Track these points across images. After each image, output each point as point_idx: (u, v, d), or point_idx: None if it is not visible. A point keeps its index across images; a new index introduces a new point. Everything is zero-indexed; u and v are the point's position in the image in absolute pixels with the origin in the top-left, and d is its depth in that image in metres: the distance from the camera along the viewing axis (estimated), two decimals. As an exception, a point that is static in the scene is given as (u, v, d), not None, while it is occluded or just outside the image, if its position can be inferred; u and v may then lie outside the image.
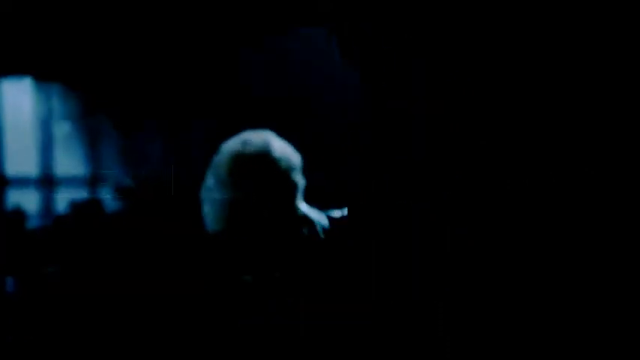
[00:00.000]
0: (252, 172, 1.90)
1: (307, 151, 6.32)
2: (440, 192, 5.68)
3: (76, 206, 7.56)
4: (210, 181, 1.91)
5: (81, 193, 7.74)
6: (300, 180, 2.01)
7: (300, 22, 5.76)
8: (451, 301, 5.49)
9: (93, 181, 7.82)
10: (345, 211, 2.29)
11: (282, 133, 6.58)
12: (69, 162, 7.94)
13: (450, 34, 5.85)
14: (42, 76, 7.70)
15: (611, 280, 5.19)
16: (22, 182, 7.70)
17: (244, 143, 1.95)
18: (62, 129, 7.92)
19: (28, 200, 7.63)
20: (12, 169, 7.62)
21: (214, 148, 6.63)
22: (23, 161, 7.71)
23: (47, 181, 7.83)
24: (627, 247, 5.12)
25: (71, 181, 7.82)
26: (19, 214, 7.37)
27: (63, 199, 7.75)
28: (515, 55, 5.60)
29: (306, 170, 6.45)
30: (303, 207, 2.12)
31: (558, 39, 5.52)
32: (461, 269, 5.55)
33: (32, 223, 7.45)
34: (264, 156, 1.93)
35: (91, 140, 7.88)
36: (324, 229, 2.18)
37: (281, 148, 1.99)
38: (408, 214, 5.75)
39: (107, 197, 7.53)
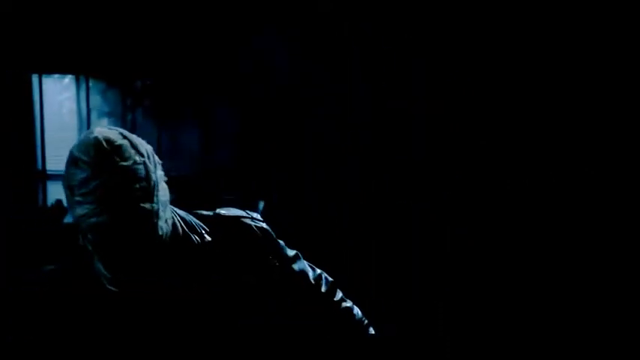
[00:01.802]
0: (120, 148, 1.95)
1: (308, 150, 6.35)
2: (440, 192, 5.66)
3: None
4: (80, 175, 1.94)
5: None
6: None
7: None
8: (451, 301, 5.49)
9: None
10: (221, 211, 2.30)
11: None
12: (108, 157, 8.07)
13: (449, 35, 5.81)
14: (82, 73, 7.85)
15: (610, 280, 5.11)
16: (62, 177, 7.88)
17: (97, 130, 2.02)
18: (101, 125, 8.07)
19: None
20: (53, 164, 7.79)
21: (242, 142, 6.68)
22: (64, 157, 7.88)
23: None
24: (626, 247, 5.04)
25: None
26: (59, 208, 7.53)
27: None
28: (515, 56, 5.53)
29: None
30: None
31: (558, 40, 5.43)
32: (461, 269, 5.53)
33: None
34: (122, 133, 2.00)
35: (129, 135, 7.98)
36: (206, 231, 2.21)
37: (140, 140, 2.06)
38: (408, 214, 5.74)
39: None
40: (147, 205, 1.92)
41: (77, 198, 1.92)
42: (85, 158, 1.93)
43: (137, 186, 1.91)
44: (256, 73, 6.09)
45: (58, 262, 2.23)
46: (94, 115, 8.05)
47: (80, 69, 7.82)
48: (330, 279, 2.46)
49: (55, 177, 7.86)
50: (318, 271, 2.46)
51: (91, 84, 8.02)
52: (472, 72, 5.28)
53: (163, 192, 2.01)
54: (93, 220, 1.89)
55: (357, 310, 2.49)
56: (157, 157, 2.05)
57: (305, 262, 2.43)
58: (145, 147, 2.01)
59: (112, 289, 2.03)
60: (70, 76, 8.06)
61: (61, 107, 8.11)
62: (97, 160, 1.91)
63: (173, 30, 7.00)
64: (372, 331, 2.49)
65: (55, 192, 7.80)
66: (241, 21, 6.16)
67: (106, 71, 7.82)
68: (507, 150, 5.20)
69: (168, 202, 2.05)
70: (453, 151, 5.33)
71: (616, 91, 4.85)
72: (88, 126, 7.97)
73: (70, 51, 7.36)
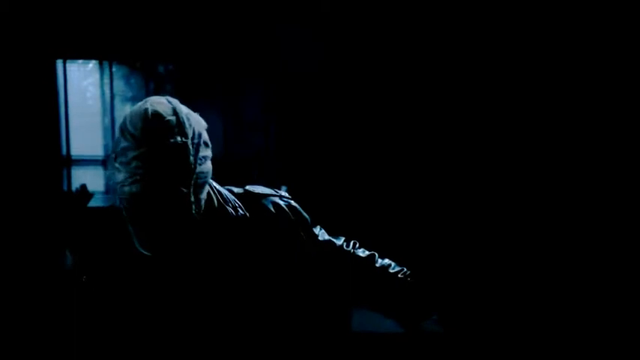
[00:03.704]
0: (165, 125, 1.97)
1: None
2: (440, 192, 5.61)
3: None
4: (123, 143, 1.97)
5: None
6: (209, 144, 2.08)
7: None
8: (451, 301, 5.45)
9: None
10: (250, 188, 2.33)
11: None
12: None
13: (449, 35, 5.72)
14: (105, 58, 7.91)
15: (610, 280, 5.04)
16: (87, 162, 7.96)
17: (151, 101, 2.03)
18: (124, 110, 8.13)
19: (92, 180, 7.89)
20: (77, 149, 7.88)
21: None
22: (88, 142, 7.96)
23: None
24: (626, 247, 4.96)
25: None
26: (84, 193, 7.61)
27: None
28: (515, 56, 5.44)
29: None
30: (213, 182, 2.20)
31: (558, 41, 5.32)
32: (461, 269, 5.49)
33: (96, 202, 7.70)
34: (175, 109, 2.02)
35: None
36: (239, 205, 2.23)
37: (187, 110, 2.06)
38: (408, 215, 5.71)
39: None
40: (178, 188, 1.95)
41: (117, 165, 1.97)
42: (130, 129, 1.96)
43: (172, 167, 1.94)
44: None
45: (73, 252, 2.26)
46: (117, 100, 8.12)
47: (104, 54, 7.88)
48: (353, 241, 2.52)
49: (79, 162, 7.95)
50: (342, 238, 2.51)
51: (114, 69, 8.08)
52: (472, 72, 5.21)
53: (202, 175, 2.03)
54: (126, 189, 1.94)
55: (381, 259, 2.52)
56: (205, 137, 2.06)
57: (327, 234, 2.47)
58: (195, 126, 2.02)
59: (144, 252, 2.06)
60: (93, 61, 8.13)
61: (85, 92, 8.18)
62: (140, 133, 1.93)
63: (195, 15, 7.01)
64: (394, 268, 2.49)
65: (80, 177, 7.90)
66: (258, 10, 6.15)
67: (129, 56, 7.87)
68: (507, 150, 5.14)
69: (207, 183, 2.08)
70: (453, 151, 5.28)
71: (616, 92, 4.76)
72: (112, 111, 8.05)
73: (93, 36, 7.42)
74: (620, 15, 4.71)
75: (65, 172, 7.90)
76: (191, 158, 1.97)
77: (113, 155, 2.01)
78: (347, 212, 5.79)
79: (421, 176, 5.60)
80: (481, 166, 5.36)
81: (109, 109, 8.11)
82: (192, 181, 1.98)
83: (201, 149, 2.02)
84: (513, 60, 5.24)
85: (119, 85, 8.12)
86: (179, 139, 1.95)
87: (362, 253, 2.52)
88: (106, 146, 8.13)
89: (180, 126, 1.97)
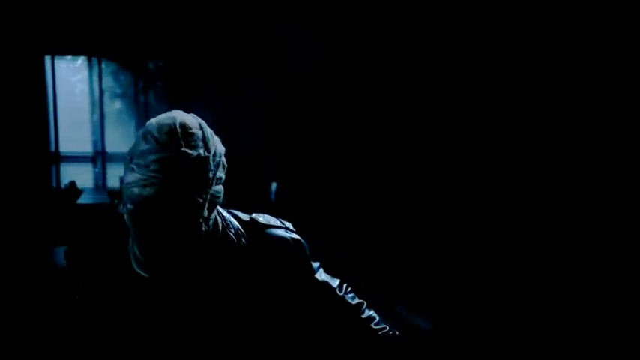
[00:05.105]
0: (192, 136, 1.98)
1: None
2: (440, 192, 5.66)
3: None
4: (144, 146, 1.95)
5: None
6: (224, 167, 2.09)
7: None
8: (451, 301, 5.50)
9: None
10: (257, 217, 2.32)
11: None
12: (120, 139, 8.15)
13: (449, 34, 5.77)
14: (94, 55, 7.87)
15: (610, 281, 5.10)
16: (76, 159, 7.94)
17: (179, 113, 2.04)
18: (114, 107, 8.12)
19: (82, 176, 7.86)
20: (66, 146, 7.85)
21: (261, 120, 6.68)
22: (77, 138, 7.94)
23: (100, 158, 8.07)
24: (625, 248, 5.02)
25: (122, 158, 7.92)
26: (73, 189, 7.59)
27: (115, 175, 7.98)
28: (513, 57, 5.48)
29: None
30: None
31: (557, 41, 5.37)
32: (460, 269, 5.54)
33: (86, 199, 7.69)
34: (201, 124, 2.03)
35: (142, 117, 8.02)
36: (242, 233, 2.23)
37: (211, 130, 2.08)
38: (407, 215, 5.75)
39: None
40: (193, 198, 1.95)
41: (132, 165, 1.92)
42: (155, 134, 1.95)
43: (192, 177, 1.93)
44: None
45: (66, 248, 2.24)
46: (106, 97, 8.10)
47: (93, 50, 7.85)
48: (346, 284, 2.52)
49: (68, 159, 7.92)
50: (337, 280, 2.50)
51: (103, 66, 8.06)
52: (471, 71, 5.24)
53: (217, 194, 2.03)
54: (136, 190, 1.91)
55: (368, 310, 2.53)
56: (224, 160, 2.07)
57: (325, 273, 2.47)
58: (217, 146, 2.04)
59: (142, 273, 2.04)
60: (82, 57, 8.10)
61: (74, 89, 8.15)
62: (164, 139, 1.93)
63: (194, 13, 7.00)
64: (378, 324, 2.51)
65: (69, 173, 7.87)
66: (258, 10, 6.15)
67: (118, 53, 7.84)
68: (507, 150, 5.18)
69: (218, 205, 2.08)
70: (451, 150, 5.31)
71: (616, 92, 4.82)
72: (101, 108, 8.03)
73: (82, 33, 7.38)
74: (620, 15, 4.77)
75: (54, 169, 7.87)
76: (210, 174, 1.98)
77: (128, 157, 2.00)
78: (346, 211, 5.81)
79: (420, 173, 5.64)
80: (480, 166, 5.40)
81: (98, 106, 8.10)
82: (209, 196, 1.99)
83: (219, 169, 2.04)
84: (511, 62, 5.29)
85: (108, 81, 8.10)
86: (202, 152, 1.97)
87: (352, 299, 2.51)
88: (95, 143, 8.11)
89: (204, 140, 1.99)
